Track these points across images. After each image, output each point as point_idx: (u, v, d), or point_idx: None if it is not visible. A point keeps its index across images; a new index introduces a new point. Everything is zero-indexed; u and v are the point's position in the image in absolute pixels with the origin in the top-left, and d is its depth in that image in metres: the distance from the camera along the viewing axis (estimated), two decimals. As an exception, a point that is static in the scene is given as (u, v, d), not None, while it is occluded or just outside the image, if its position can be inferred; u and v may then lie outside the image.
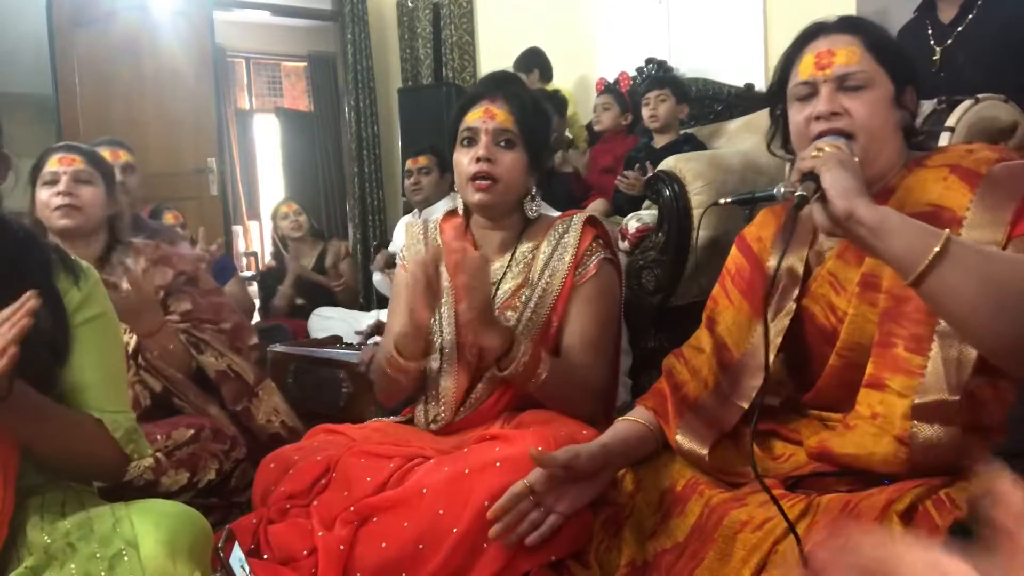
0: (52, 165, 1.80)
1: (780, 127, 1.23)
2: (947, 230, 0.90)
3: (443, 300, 1.50)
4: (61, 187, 1.77)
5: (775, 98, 1.23)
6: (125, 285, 1.68)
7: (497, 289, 1.49)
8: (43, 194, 1.79)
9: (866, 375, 1.05)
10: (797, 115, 1.15)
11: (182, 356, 1.83)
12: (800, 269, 1.19)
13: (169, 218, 3.47)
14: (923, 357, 0.99)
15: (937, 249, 0.88)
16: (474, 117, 1.46)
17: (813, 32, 1.16)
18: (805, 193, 0.98)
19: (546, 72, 4.03)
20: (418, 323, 1.37)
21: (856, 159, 1.02)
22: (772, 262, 1.22)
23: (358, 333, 2.95)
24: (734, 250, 1.32)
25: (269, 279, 4.13)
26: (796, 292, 1.18)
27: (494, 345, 1.34)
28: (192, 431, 1.72)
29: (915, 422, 0.98)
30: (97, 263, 1.74)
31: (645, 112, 3.12)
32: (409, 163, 3.37)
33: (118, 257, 1.83)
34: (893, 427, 0.99)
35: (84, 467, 1.09)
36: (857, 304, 1.10)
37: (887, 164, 1.12)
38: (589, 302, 1.46)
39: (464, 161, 1.46)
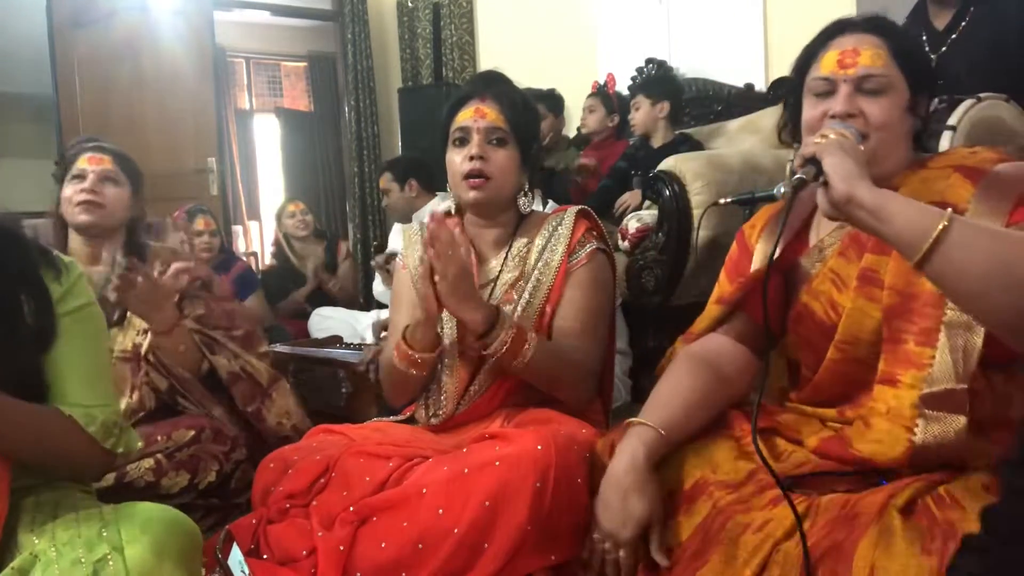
0: (81, 163, 1.82)
1: (792, 117, 1.23)
2: (949, 209, 0.89)
3: None
4: (86, 184, 1.79)
5: (791, 87, 1.23)
6: (139, 279, 1.68)
7: (495, 284, 1.50)
8: (68, 190, 1.81)
9: (879, 372, 1.06)
10: (812, 110, 1.15)
11: (194, 356, 1.82)
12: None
13: (201, 223, 3.48)
14: (932, 348, 1.00)
15: (942, 226, 0.86)
16: (465, 116, 1.48)
17: (839, 28, 1.16)
18: (804, 176, 0.98)
19: (556, 109, 3.91)
20: (429, 312, 1.36)
21: (860, 147, 1.03)
22: (759, 246, 1.26)
23: (371, 339, 2.96)
24: (734, 243, 1.35)
25: (270, 279, 4.13)
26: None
27: (475, 319, 1.33)
28: (193, 432, 1.71)
29: (925, 410, 0.99)
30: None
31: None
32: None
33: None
34: (903, 418, 1.00)
35: (58, 463, 1.06)
36: (855, 298, 1.10)
37: (893, 167, 1.12)
38: (581, 288, 1.46)
39: (457, 160, 1.48)
